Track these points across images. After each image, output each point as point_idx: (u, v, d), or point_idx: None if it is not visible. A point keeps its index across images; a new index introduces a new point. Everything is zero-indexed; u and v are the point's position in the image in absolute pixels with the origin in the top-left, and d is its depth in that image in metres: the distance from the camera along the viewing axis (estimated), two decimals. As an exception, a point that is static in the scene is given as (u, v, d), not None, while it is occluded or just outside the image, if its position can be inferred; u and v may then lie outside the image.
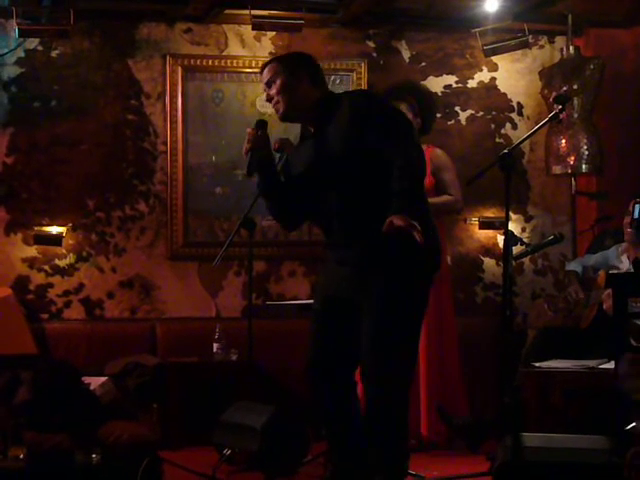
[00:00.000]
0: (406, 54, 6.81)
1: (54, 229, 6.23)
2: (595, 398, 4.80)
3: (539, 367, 4.98)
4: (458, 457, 5.34)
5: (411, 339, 3.80)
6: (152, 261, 6.44)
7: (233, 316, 6.46)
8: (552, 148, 6.65)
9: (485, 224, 6.79)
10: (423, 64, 6.83)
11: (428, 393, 5.50)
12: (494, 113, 6.92)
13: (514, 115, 6.94)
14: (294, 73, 3.87)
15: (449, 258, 6.38)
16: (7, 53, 6.21)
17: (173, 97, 6.44)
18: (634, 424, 3.58)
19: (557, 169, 6.66)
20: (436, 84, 6.80)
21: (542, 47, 6.96)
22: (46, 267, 6.29)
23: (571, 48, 6.66)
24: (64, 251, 6.30)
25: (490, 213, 6.80)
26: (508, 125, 6.93)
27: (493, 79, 6.91)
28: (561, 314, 5.91)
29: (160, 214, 6.45)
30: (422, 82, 6.57)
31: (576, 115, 6.58)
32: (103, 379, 5.46)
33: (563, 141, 6.57)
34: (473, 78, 6.89)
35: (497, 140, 6.89)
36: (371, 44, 6.76)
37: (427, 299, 3.84)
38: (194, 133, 6.48)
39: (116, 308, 6.39)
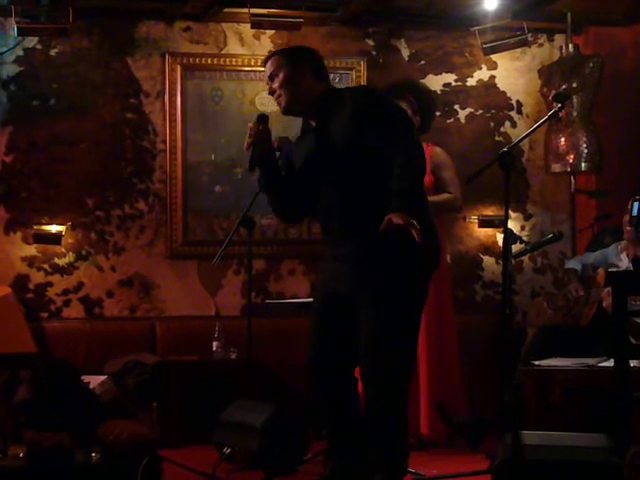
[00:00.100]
0: (405, 52, 6.81)
1: (53, 228, 6.23)
2: (595, 396, 4.80)
3: (539, 365, 4.98)
4: (458, 455, 5.34)
5: (410, 337, 3.80)
6: (151, 260, 6.44)
7: (233, 315, 6.47)
8: (551, 146, 6.65)
9: (484, 222, 6.79)
10: (422, 62, 6.83)
11: (428, 391, 5.49)
12: (493, 111, 6.92)
13: (513, 113, 6.94)
14: (297, 67, 3.86)
15: (449, 256, 6.38)
16: (6, 52, 6.20)
17: (172, 95, 6.44)
18: None
19: (556, 167, 6.66)
20: (435, 82, 6.80)
21: (541, 45, 6.96)
22: (45, 266, 6.29)
23: (570, 46, 6.66)
24: (63, 250, 6.30)
25: (489, 211, 6.80)
26: (507, 123, 6.93)
27: (492, 77, 6.91)
28: (560, 312, 5.91)
29: (159, 213, 6.45)
30: (421, 80, 6.57)
31: (575, 113, 6.58)
32: (103, 378, 5.47)
33: (562, 139, 6.58)
34: (472, 76, 6.89)
35: (496, 138, 6.89)
36: (370, 42, 6.76)
37: (426, 296, 3.84)
38: (193, 131, 6.47)
39: (115, 307, 6.39)
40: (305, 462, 4.92)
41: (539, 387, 4.90)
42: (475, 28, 6.46)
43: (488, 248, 6.87)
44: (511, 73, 6.93)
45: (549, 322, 6.11)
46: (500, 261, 6.30)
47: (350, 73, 6.65)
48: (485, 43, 6.51)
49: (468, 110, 6.88)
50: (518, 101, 6.94)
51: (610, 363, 4.46)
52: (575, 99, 6.54)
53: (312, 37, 6.56)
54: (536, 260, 6.92)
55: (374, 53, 6.76)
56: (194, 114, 6.47)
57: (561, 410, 4.85)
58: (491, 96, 6.92)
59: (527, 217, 6.93)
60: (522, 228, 6.86)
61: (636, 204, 5.07)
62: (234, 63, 6.54)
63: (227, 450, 4.96)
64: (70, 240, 6.31)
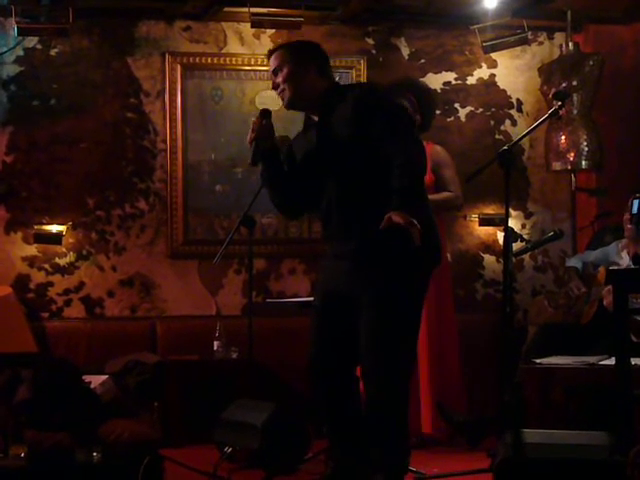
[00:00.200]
0: (405, 51, 6.81)
1: (54, 228, 6.23)
2: (596, 394, 4.79)
3: (539, 363, 4.97)
4: (458, 454, 5.34)
5: (410, 335, 3.80)
6: (152, 259, 6.44)
7: (233, 314, 6.47)
8: (552, 144, 6.65)
9: (485, 221, 6.79)
10: (422, 61, 6.82)
11: (428, 390, 5.49)
12: (493, 110, 6.92)
13: (513, 112, 6.94)
14: (301, 62, 3.86)
15: (449, 255, 6.37)
16: (6, 52, 6.20)
17: (172, 95, 6.44)
18: None
19: (557, 165, 6.66)
20: (435, 81, 6.80)
21: (541, 43, 6.96)
22: (46, 266, 6.29)
23: (570, 44, 6.65)
24: (64, 250, 6.30)
25: (490, 210, 6.80)
26: (507, 122, 6.93)
27: (492, 76, 6.91)
28: (561, 310, 5.90)
29: (160, 212, 6.45)
30: (421, 79, 6.56)
31: (576, 111, 6.57)
32: (103, 377, 5.46)
33: (563, 137, 6.57)
34: (472, 75, 6.89)
35: (497, 137, 6.89)
36: (370, 41, 6.76)
37: (425, 294, 3.84)
38: (193, 131, 6.47)
39: (116, 306, 6.39)
40: (306, 461, 4.92)
41: (540, 385, 4.90)
42: (475, 26, 6.46)
43: (489, 246, 6.87)
44: (511, 71, 6.93)
45: (550, 320, 6.11)
46: (501, 259, 6.30)
47: (350, 72, 6.65)
48: (485, 41, 6.50)
49: (468, 108, 6.88)
50: (518, 99, 6.94)
51: (611, 361, 4.45)
52: (575, 97, 6.54)
53: (312, 36, 6.53)
54: (537, 258, 6.92)
55: (374, 52, 6.76)
56: (194, 113, 6.47)
57: (562, 408, 4.85)
58: (491, 94, 6.91)
59: (528, 215, 6.93)
60: (523, 226, 6.86)
61: (636, 202, 5.05)
62: (234, 62, 6.53)
63: (228, 449, 4.95)
64: (71, 240, 6.31)
